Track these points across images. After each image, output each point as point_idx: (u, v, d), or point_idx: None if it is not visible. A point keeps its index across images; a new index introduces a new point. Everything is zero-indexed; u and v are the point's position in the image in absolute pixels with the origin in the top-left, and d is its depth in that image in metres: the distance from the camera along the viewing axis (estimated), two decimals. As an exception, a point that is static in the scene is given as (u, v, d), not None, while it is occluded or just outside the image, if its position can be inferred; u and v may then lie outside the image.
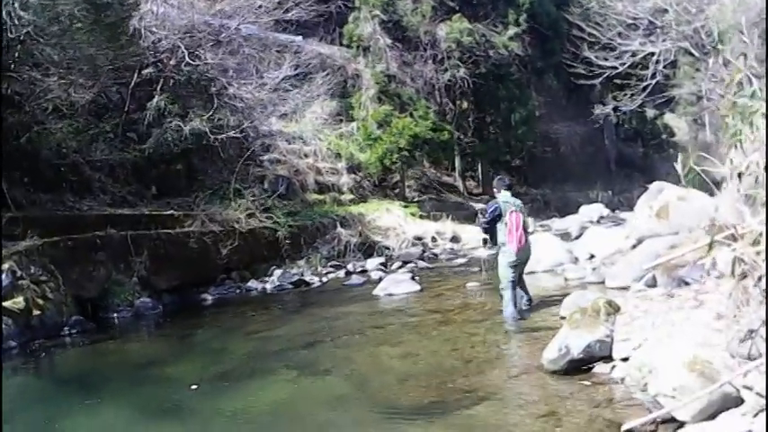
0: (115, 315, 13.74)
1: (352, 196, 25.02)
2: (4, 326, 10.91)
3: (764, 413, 4.50)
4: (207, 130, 18.47)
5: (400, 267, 18.85)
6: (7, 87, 14.72)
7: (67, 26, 14.67)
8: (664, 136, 45.44)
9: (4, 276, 11.32)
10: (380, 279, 15.86)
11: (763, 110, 4.96)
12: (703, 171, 6.02)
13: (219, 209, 18.46)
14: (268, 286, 17.08)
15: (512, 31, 33.55)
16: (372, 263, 19.29)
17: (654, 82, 22.55)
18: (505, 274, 10.27)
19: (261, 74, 21.63)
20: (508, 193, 10.60)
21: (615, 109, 26.64)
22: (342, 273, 18.54)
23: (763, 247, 4.64)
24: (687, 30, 20.50)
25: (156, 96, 18.69)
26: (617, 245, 13.46)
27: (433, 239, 23.43)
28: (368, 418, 6.45)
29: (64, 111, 16.28)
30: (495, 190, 10.93)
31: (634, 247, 12.02)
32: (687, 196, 11.16)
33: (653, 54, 21.87)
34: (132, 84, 18.88)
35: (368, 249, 20.96)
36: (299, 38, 28.03)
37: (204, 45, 19.83)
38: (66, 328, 12.24)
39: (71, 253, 13.49)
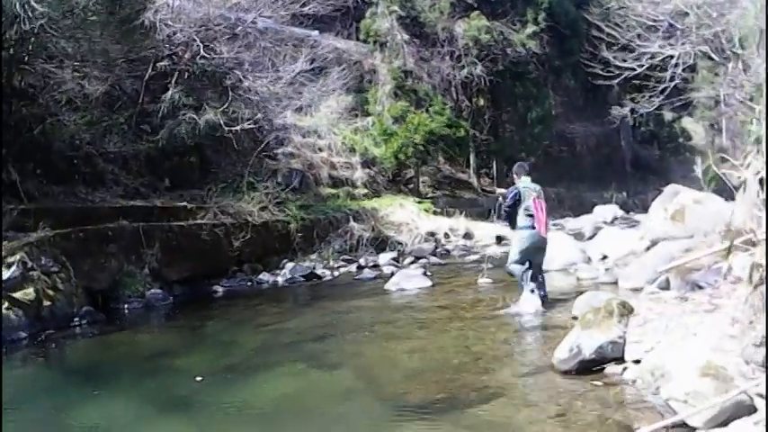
0: (126, 306, 13.72)
1: (365, 191, 25.01)
2: (14, 316, 10.90)
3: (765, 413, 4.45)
4: (221, 122, 18.43)
5: (412, 263, 18.82)
6: (21, 80, 14.76)
7: (82, 19, 14.71)
8: (680, 139, 45.45)
9: (14, 268, 11.30)
10: (392, 274, 15.79)
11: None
12: (722, 176, 5.97)
13: (232, 201, 18.47)
14: (279, 279, 17.07)
15: (530, 29, 33.58)
16: (384, 258, 19.28)
17: (672, 85, 22.33)
18: (514, 253, 10.71)
19: (276, 67, 21.56)
20: (528, 179, 10.82)
21: (632, 111, 26.45)
22: (354, 267, 18.54)
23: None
24: (707, 33, 20.28)
25: (171, 89, 18.66)
26: (631, 246, 13.36)
27: (446, 236, 23.38)
28: (376, 414, 6.41)
29: (77, 103, 16.34)
30: (515, 176, 11.12)
31: (648, 249, 11.92)
32: (703, 200, 11.06)
33: (672, 57, 21.66)
34: (146, 76, 18.85)
35: (380, 244, 20.93)
36: (316, 32, 27.95)
37: (220, 38, 19.77)
38: (76, 319, 12.19)
39: (83, 244, 13.48)
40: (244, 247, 17.21)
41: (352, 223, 20.97)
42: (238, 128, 18.95)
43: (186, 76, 19.52)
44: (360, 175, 25.53)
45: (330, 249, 19.54)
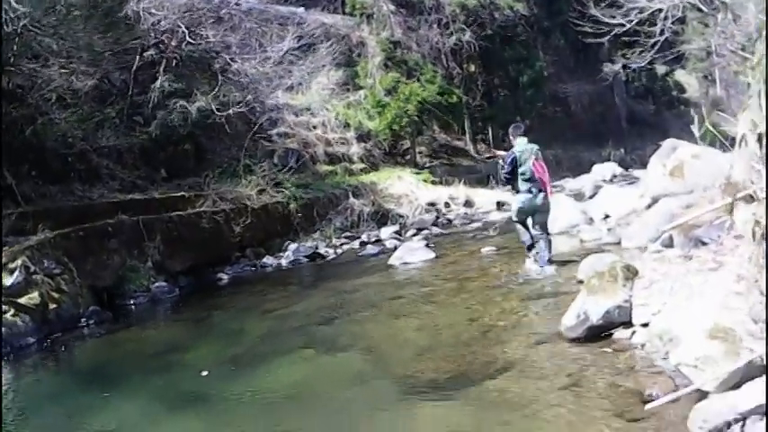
0: (132, 302, 13.74)
1: (363, 165, 24.89)
2: (21, 323, 10.88)
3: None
4: (213, 108, 18.34)
5: (415, 235, 18.86)
6: (8, 81, 14.66)
7: (64, 15, 14.65)
8: (674, 92, 45.31)
9: (17, 273, 11.26)
10: (395, 248, 15.83)
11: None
12: (718, 128, 5.92)
13: (230, 187, 18.43)
14: (283, 261, 17.09)
15: (517, -9, 33.30)
16: (386, 232, 19.25)
17: (662, 38, 22.24)
18: (513, 214, 11.20)
19: (264, 48, 21.41)
20: (524, 140, 10.89)
21: (624, 66, 26.47)
22: (356, 243, 18.55)
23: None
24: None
25: (159, 78, 18.56)
26: (632, 205, 13.31)
27: (447, 205, 23.30)
28: (386, 396, 6.41)
29: (67, 100, 16.30)
30: (511, 138, 11.18)
31: (649, 206, 11.86)
32: (701, 154, 10.97)
33: (660, 10, 21.51)
34: (134, 67, 18.78)
35: (381, 218, 20.89)
36: (301, 9, 27.79)
37: (205, 23, 19.63)
38: (83, 320, 12.22)
39: (83, 243, 13.48)
40: (245, 232, 17.19)
41: (351, 199, 20.92)
42: (230, 111, 18.84)
43: (174, 64, 19.42)
44: (356, 149, 25.41)
45: (331, 227, 19.53)
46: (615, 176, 27.74)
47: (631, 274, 7.23)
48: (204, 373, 7.83)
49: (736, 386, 4.61)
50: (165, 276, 14.78)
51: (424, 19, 31.47)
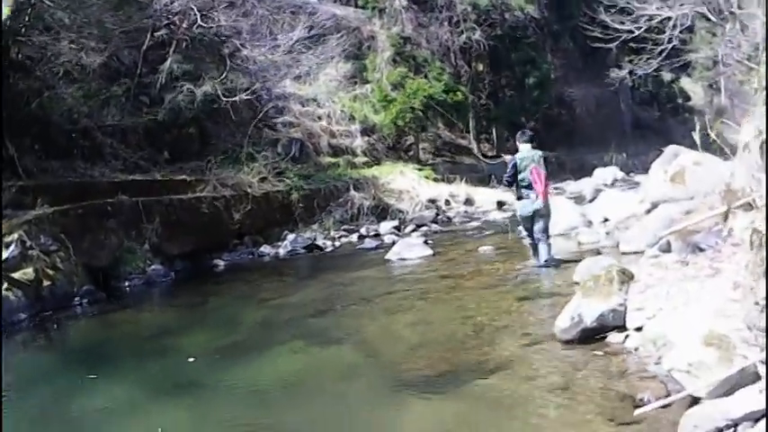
0: (127, 283, 13.74)
1: (365, 159, 24.90)
2: (14, 297, 10.86)
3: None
4: (219, 93, 18.32)
5: (413, 231, 18.84)
6: (18, 52, 14.62)
7: (78, -12, 14.55)
8: (679, 100, 45.35)
9: (13, 247, 11.23)
10: (393, 243, 15.79)
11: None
12: (721, 136, 5.90)
13: (232, 173, 18.43)
14: (281, 251, 17.07)
15: (528, -7, 33.32)
16: (385, 226, 19.25)
17: (670, 46, 22.24)
18: (519, 219, 11.28)
19: (274, 36, 21.45)
20: (528, 146, 10.99)
21: (631, 72, 26.40)
22: (355, 237, 18.54)
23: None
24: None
25: (169, 59, 18.52)
26: (631, 209, 13.28)
27: (447, 202, 23.30)
28: (378, 390, 6.38)
29: (75, 75, 16.26)
30: (517, 143, 11.31)
31: (648, 211, 11.85)
32: (703, 161, 10.96)
33: (670, 18, 21.55)
34: (144, 47, 18.75)
35: (381, 213, 20.84)
36: (314, -1, 27.82)
37: (217, 7, 19.62)
38: (76, 299, 12.22)
39: (82, 221, 13.45)
40: (244, 220, 17.20)
41: (352, 192, 20.88)
42: (237, 98, 18.86)
43: (184, 46, 19.41)
44: (359, 143, 25.40)
45: (331, 219, 19.51)
46: (616, 180, 27.75)
47: (627, 277, 7.21)
48: (191, 360, 7.81)
49: (729, 393, 4.59)
50: (162, 259, 14.76)
51: (435, 16, 31.51)
